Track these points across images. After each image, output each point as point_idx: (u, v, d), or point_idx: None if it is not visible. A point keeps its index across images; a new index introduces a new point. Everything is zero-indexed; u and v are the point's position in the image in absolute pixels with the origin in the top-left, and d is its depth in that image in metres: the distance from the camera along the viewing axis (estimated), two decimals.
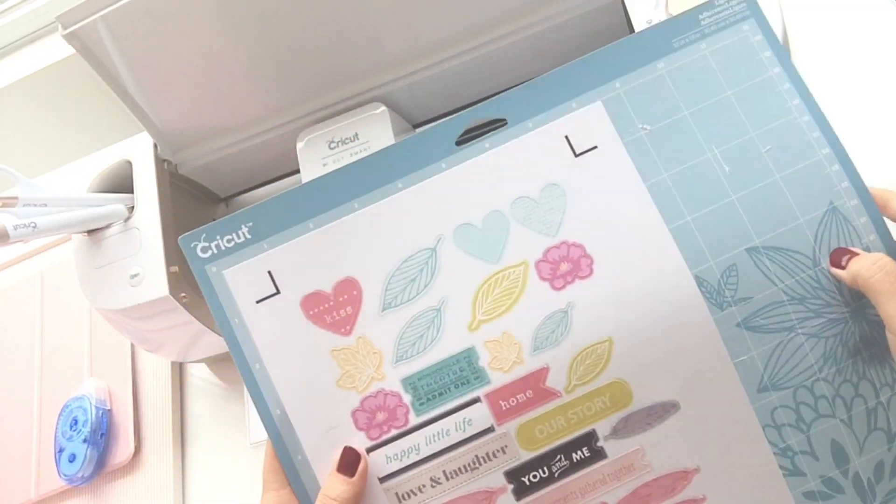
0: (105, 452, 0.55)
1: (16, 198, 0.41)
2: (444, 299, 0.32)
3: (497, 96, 0.32)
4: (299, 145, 0.48)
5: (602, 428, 0.31)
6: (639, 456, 0.31)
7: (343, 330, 0.32)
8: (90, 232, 0.47)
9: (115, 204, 0.47)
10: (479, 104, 0.32)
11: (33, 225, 0.41)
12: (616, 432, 0.31)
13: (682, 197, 0.31)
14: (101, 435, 0.55)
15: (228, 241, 0.32)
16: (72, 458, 0.54)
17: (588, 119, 0.32)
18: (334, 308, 0.32)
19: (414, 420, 0.31)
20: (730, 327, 0.31)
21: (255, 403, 0.32)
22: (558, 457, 0.31)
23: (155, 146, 0.50)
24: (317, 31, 0.44)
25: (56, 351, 0.61)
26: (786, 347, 0.31)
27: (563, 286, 0.31)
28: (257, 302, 0.32)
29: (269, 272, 0.32)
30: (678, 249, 0.31)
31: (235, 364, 0.32)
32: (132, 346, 0.59)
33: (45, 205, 0.43)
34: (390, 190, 0.32)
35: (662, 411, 0.31)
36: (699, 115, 0.32)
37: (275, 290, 0.32)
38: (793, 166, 0.31)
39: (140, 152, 0.49)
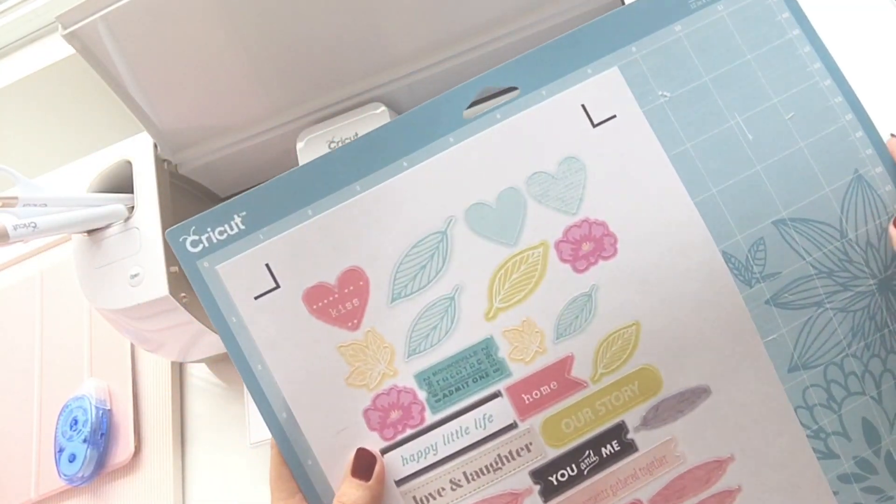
0: (105, 452, 0.47)
1: (16, 198, 0.34)
2: (458, 287, 0.24)
3: (507, 62, 0.25)
4: (299, 145, 0.42)
5: (632, 419, 0.24)
6: (671, 447, 0.24)
7: (350, 324, 0.24)
8: (90, 232, 0.40)
9: (115, 204, 0.40)
10: (488, 71, 0.25)
11: (33, 225, 0.34)
12: (646, 422, 0.24)
13: (706, 168, 0.24)
14: (101, 435, 0.47)
15: (220, 234, 0.24)
16: (72, 458, 0.45)
17: (605, 86, 0.25)
18: (339, 301, 0.24)
19: (430, 418, 0.24)
20: (758, 305, 0.24)
21: (258, 406, 0.24)
22: (587, 452, 0.24)
23: (155, 146, 0.42)
24: (317, 31, 0.38)
25: (56, 351, 0.52)
26: (815, 324, 0.24)
27: (587, 268, 0.24)
28: (255, 298, 0.24)
29: (267, 265, 0.24)
30: (705, 224, 0.24)
31: (235, 366, 0.24)
32: (132, 346, 0.50)
33: (45, 205, 0.36)
34: (395, 169, 0.25)
35: (693, 397, 0.24)
36: (719, 81, 0.25)
37: (274, 285, 0.24)
38: (817, 133, 0.25)
39: (140, 152, 0.42)
